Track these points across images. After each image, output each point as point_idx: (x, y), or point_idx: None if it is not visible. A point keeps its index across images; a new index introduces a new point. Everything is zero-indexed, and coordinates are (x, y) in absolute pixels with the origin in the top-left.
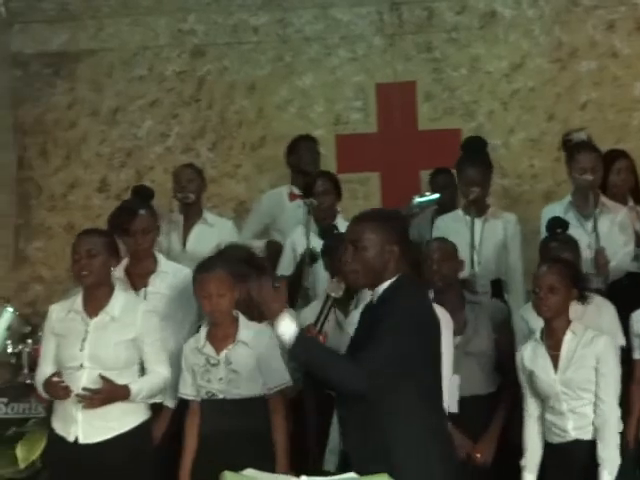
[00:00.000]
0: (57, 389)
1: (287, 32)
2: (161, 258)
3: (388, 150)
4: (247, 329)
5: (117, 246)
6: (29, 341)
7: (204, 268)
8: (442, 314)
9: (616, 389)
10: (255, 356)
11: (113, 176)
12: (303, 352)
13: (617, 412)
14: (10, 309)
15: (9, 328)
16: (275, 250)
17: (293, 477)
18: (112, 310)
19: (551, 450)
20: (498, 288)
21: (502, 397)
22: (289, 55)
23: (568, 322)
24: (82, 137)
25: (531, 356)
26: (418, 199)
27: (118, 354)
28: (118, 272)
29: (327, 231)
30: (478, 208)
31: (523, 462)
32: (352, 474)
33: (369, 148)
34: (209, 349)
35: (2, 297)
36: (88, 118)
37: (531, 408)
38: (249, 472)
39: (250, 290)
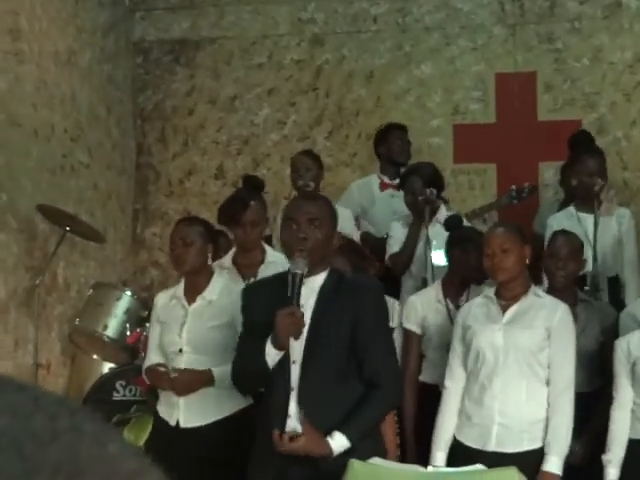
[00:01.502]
0: (161, 379)
1: (407, 21)
2: (269, 249)
3: (506, 141)
4: None
5: (213, 233)
6: (147, 324)
7: None
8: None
9: None
10: None
11: (230, 163)
12: (361, 435)
13: None
14: (129, 293)
15: (127, 312)
16: (370, 241)
17: (420, 466)
18: (209, 295)
19: (636, 445)
20: (615, 285)
21: (604, 398)
22: (408, 44)
23: None
24: (200, 124)
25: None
26: (515, 188)
27: (214, 338)
28: (227, 262)
29: (452, 221)
30: (591, 203)
31: (608, 457)
32: (479, 466)
33: (487, 139)
34: None
35: (121, 281)
36: (206, 105)
37: (625, 400)
38: (376, 461)
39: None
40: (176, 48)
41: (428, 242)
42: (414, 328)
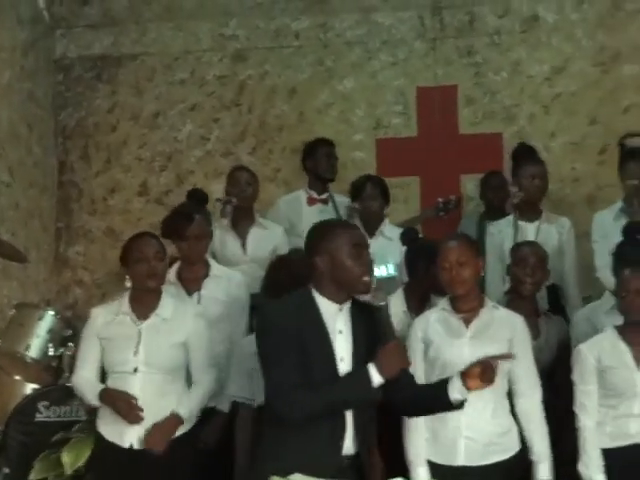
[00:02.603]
0: (131, 411)
1: (328, 36)
2: (213, 262)
3: (428, 154)
4: None
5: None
6: (70, 344)
7: None
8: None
9: None
10: None
11: (153, 180)
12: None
13: None
14: (51, 312)
15: (50, 331)
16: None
17: None
18: (163, 312)
19: (605, 456)
20: (554, 294)
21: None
22: (330, 59)
23: None
24: (123, 141)
25: (610, 352)
26: (441, 200)
27: (172, 357)
28: (171, 276)
29: (410, 235)
30: (532, 212)
31: (585, 468)
32: None
33: (409, 152)
34: None
35: (43, 300)
36: (129, 122)
37: (593, 408)
38: (296, 477)
39: None
40: (98, 65)
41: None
42: None
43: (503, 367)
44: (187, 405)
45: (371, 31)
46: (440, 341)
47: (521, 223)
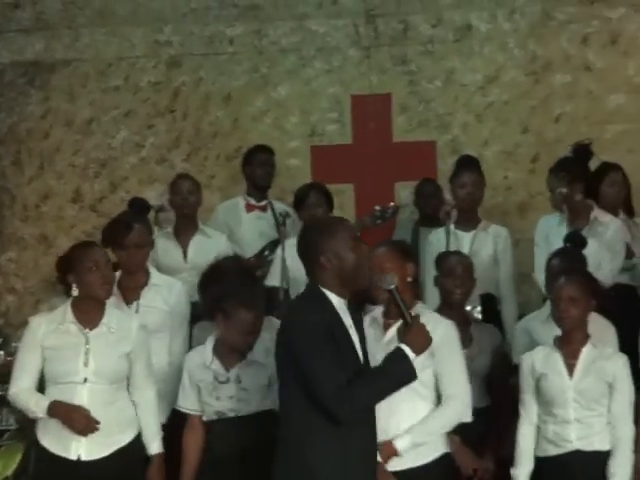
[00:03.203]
0: (83, 423)
1: (263, 43)
2: (153, 271)
3: (363, 161)
4: (260, 348)
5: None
6: (1, 352)
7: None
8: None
9: (632, 408)
10: (267, 376)
11: (87, 187)
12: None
13: (633, 430)
14: None
15: None
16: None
17: None
18: (109, 322)
19: (548, 463)
20: (488, 302)
21: (498, 415)
22: (265, 66)
23: (587, 334)
24: (56, 147)
25: (544, 360)
26: (379, 208)
27: (119, 368)
28: None
29: None
30: (469, 221)
31: (518, 471)
32: None
33: (344, 159)
34: (217, 365)
35: None
36: (62, 128)
37: (532, 414)
38: None
39: None
40: (30, 70)
41: (285, 264)
42: None
43: (423, 374)
44: (154, 435)
45: (305, 38)
46: (370, 345)
47: (458, 232)
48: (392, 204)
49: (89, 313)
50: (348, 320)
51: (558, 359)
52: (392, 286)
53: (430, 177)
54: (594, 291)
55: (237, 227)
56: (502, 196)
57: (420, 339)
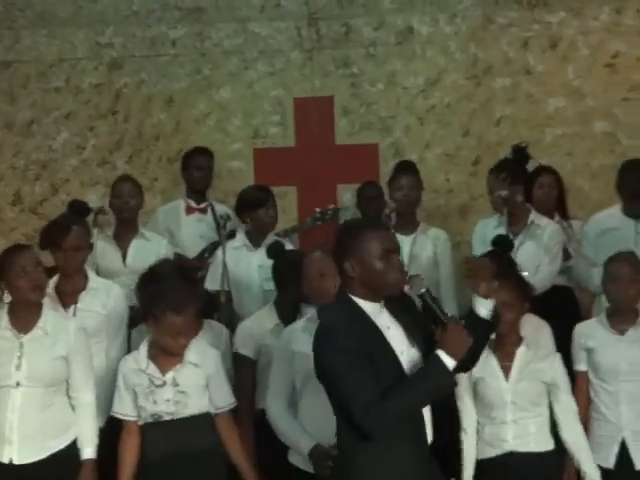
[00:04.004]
0: None
1: (205, 45)
2: (92, 275)
3: (305, 164)
4: (195, 350)
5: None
6: None
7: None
8: None
9: (575, 405)
10: (204, 376)
11: (27, 189)
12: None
13: (581, 426)
14: None
15: None
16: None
17: None
18: (45, 325)
19: (486, 465)
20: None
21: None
22: (207, 68)
23: (520, 336)
24: None
25: (480, 364)
26: (319, 210)
27: (54, 371)
28: (48, 289)
29: (275, 248)
30: (408, 225)
31: (465, 476)
32: None
33: (287, 162)
34: (153, 369)
35: None
36: (2, 130)
37: (472, 419)
38: None
39: None
40: None
41: (225, 267)
42: (249, 353)
43: None
44: (88, 440)
45: (248, 41)
46: (301, 350)
47: (397, 235)
48: (332, 206)
49: (24, 317)
50: (385, 321)
51: (493, 362)
52: (423, 290)
53: (372, 180)
54: (526, 294)
55: (177, 230)
56: (444, 198)
57: (459, 341)
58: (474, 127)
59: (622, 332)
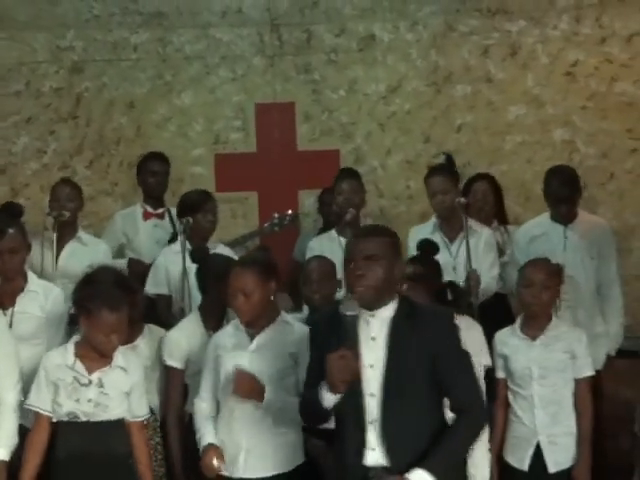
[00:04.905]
0: None
1: (167, 51)
2: (32, 277)
3: (267, 170)
4: (124, 355)
5: None
6: None
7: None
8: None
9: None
10: (129, 383)
11: None
12: (446, 466)
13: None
14: None
15: None
16: (137, 268)
17: None
18: None
19: None
20: None
21: None
22: (169, 73)
23: None
24: None
25: None
26: (277, 215)
27: None
28: None
29: (199, 253)
30: (354, 228)
31: None
32: None
33: (248, 167)
34: (80, 367)
35: None
36: None
37: None
38: None
39: None
40: None
41: (185, 272)
42: (177, 364)
43: (288, 380)
44: (3, 441)
45: (210, 46)
46: (225, 354)
47: (342, 239)
48: (290, 211)
49: None
50: (372, 331)
51: None
52: (350, 312)
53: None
54: (439, 298)
55: (134, 235)
56: (405, 205)
57: (334, 373)
58: (435, 134)
59: (534, 338)
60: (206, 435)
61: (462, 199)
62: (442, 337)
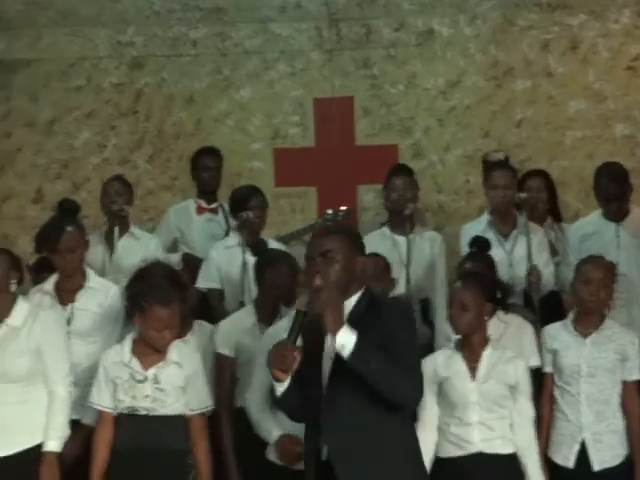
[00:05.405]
0: None
1: (226, 45)
2: (90, 274)
3: (325, 165)
4: (179, 349)
5: (19, 263)
6: None
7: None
8: None
9: (532, 411)
10: (184, 377)
11: (48, 187)
12: (362, 364)
13: (534, 432)
14: None
15: None
16: (191, 263)
17: None
18: (13, 321)
19: (449, 465)
20: (426, 307)
21: None
22: (227, 68)
23: (486, 337)
24: (17, 147)
25: (446, 363)
26: (330, 212)
27: (19, 365)
28: (48, 286)
29: (258, 246)
30: (404, 225)
31: None
32: None
33: (306, 162)
34: (135, 364)
35: None
36: (24, 128)
37: (431, 418)
38: None
39: None
40: None
41: (245, 266)
42: (228, 352)
43: None
44: (52, 431)
45: (268, 41)
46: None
47: (395, 237)
48: (344, 207)
49: None
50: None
51: (460, 362)
52: (304, 309)
53: None
54: (491, 295)
55: (188, 229)
56: (464, 200)
57: (271, 362)
58: (494, 129)
59: (586, 335)
60: (272, 428)
61: (523, 194)
62: (393, 329)
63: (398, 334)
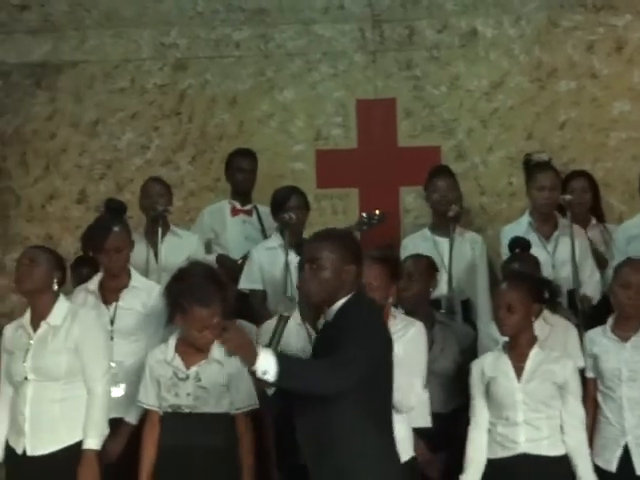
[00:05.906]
0: None
1: (269, 47)
2: (134, 274)
3: (367, 166)
4: (221, 348)
5: (62, 262)
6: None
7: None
8: (419, 330)
9: (583, 411)
10: (226, 375)
11: (92, 187)
12: (288, 380)
13: (585, 433)
14: None
15: None
16: (225, 264)
17: None
18: (53, 320)
19: (493, 465)
20: (468, 309)
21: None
22: (270, 70)
23: (534, 337)
24: (62, 148)
25: (493, 364)
26: (365, 215)
27: (59, 363)
28: (92, 286)
29: (302, 246)
30: (445, 227)
31: (465, 477)
32: None
33: (349, 164)
34: (178, 362)
35: None
36: (68, 129)
37: (481, 419)
38: None
39: None
40: (37, 72)
41: (287, 266)
42: None
43: None
44: (90, 429)
45: (311, 42)
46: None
47: (437, 238)
48: (378, 211)
49: (37, 313)
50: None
51: (507, 362)
52: (286, 314)
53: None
54: (537, 296)
55: (222, 230)
56: (506, 202)
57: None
58: (537, 130)
59: (625, 339)
60: None
61: (568, 196)
62: (343, 324)
63: (345, 327)
